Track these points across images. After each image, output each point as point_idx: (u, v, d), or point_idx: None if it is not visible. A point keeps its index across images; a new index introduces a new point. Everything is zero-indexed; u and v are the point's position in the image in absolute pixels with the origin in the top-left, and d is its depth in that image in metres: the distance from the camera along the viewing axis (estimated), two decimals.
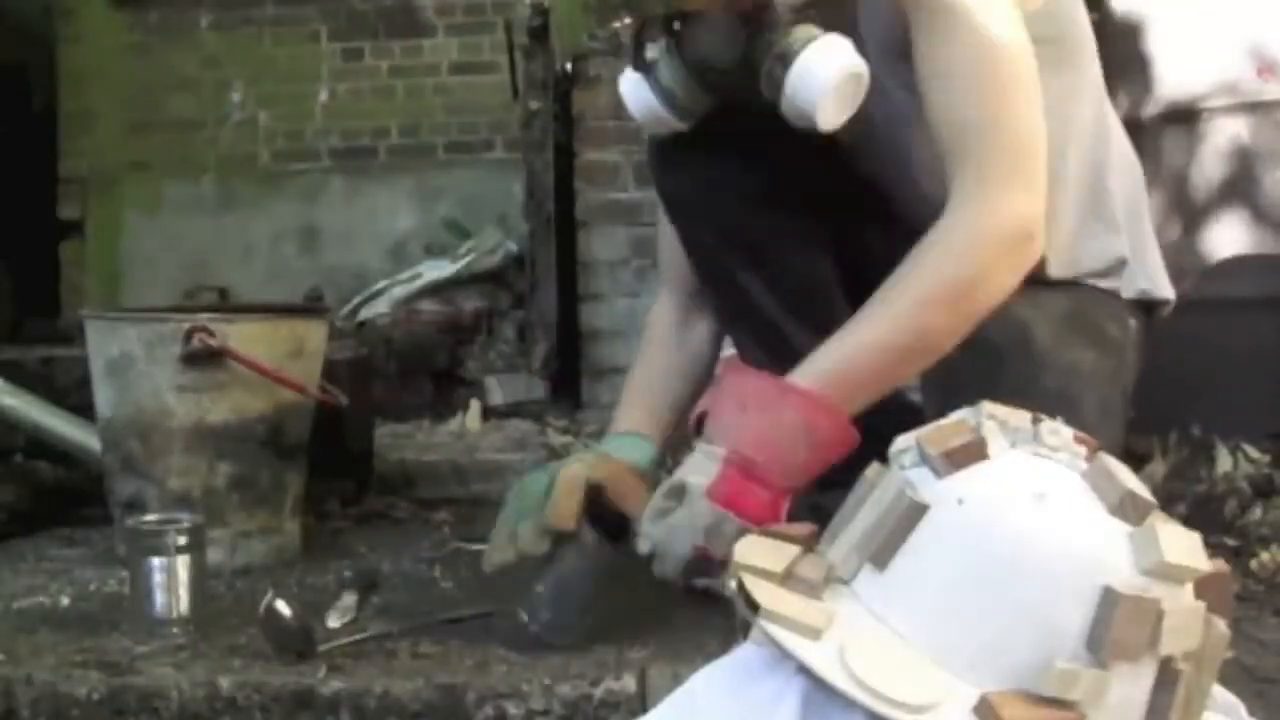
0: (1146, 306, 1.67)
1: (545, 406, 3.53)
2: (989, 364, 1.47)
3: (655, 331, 1.79)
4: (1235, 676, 1.23)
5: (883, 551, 0.90)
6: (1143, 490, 0.91)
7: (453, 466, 2.67)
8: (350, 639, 1.54)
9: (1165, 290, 1.68)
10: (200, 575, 1.63)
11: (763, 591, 0.89)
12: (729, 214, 1.67)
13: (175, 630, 1.58)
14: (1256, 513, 2.06)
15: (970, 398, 1.00)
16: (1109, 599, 0.85)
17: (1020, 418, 0.95)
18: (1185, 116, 2.72)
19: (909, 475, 0.92)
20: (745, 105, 1.53)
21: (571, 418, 3.35)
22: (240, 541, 1.95)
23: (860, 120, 1.51)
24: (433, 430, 3.30)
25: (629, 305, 3.50)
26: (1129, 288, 1.63)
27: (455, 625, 1.60)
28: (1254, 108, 2.66)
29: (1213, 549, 0.94)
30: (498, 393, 3.64)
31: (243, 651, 1.52)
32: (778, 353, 1.60)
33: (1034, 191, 1.43)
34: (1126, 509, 0.89)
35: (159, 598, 1.59)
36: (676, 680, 1.15)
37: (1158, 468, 2.27)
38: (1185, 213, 2.73)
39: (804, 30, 1.47)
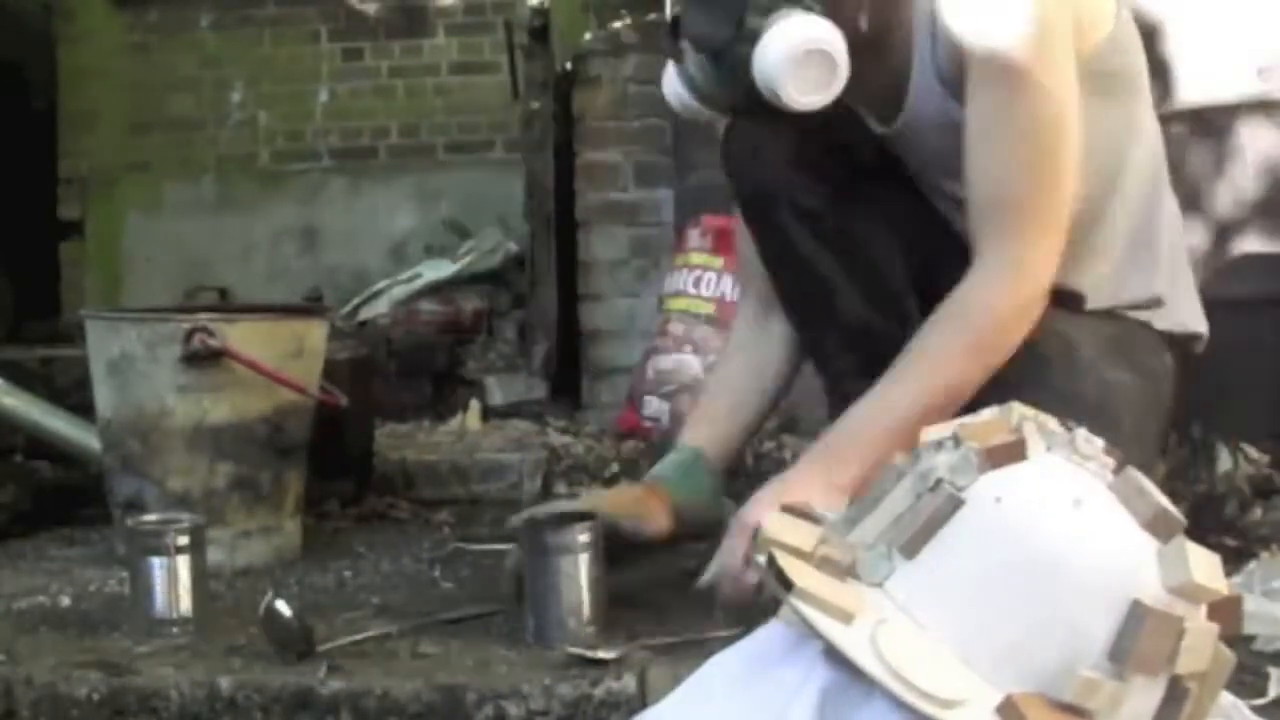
0: (1180, 341, 1.66)
1: (545, 406, 3.52)
2: (1036, 368, 1.47)
3: (735, 334, 1.81)
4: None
5: (913, 542, 0.90)
6: (1172, 508, 0.91)
7: (453, 466, 2.67)
8: (350, 639, 1.54)
9: (1199, 324, 1.68)
10: (200, 575, 1.63)
11: (796, 570, 0.88)
12: (809, 201, 1.64)
13: (175, 630, 1.58)
14: (1256, 513, 2.06)
15: (1015, 398, 1.00)
16: (1137, 612, 0.85)
17: (1054, 422, 0.95)
18: (1188, 116, 2.71)
19: (946, 468, 0.92)
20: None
21: (571, 418, 3.34)
22: (240, 541, 1.95)
23: (911, 125, 1.52)
24: (433, 430, 3.29)
25: (629, 305, 3.49)
26: (1164, 321, 1.62)
27: (455, 625, 1.60)
28: (1259, 108, 2.66)
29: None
30: (498, 393, 3.64)
31: (243, 651, 1.52)
32: (859, 346, 1.62)
33: (1057, 250, 1.46)
34: (1159, 525, 0.89)
35: (159, 598, 1.59)
36: (676, 680, 1.15)
37: (1158, 467, 2.27)
38: (1186, 213, 2.72)
39: (784, 8, 1.42)
